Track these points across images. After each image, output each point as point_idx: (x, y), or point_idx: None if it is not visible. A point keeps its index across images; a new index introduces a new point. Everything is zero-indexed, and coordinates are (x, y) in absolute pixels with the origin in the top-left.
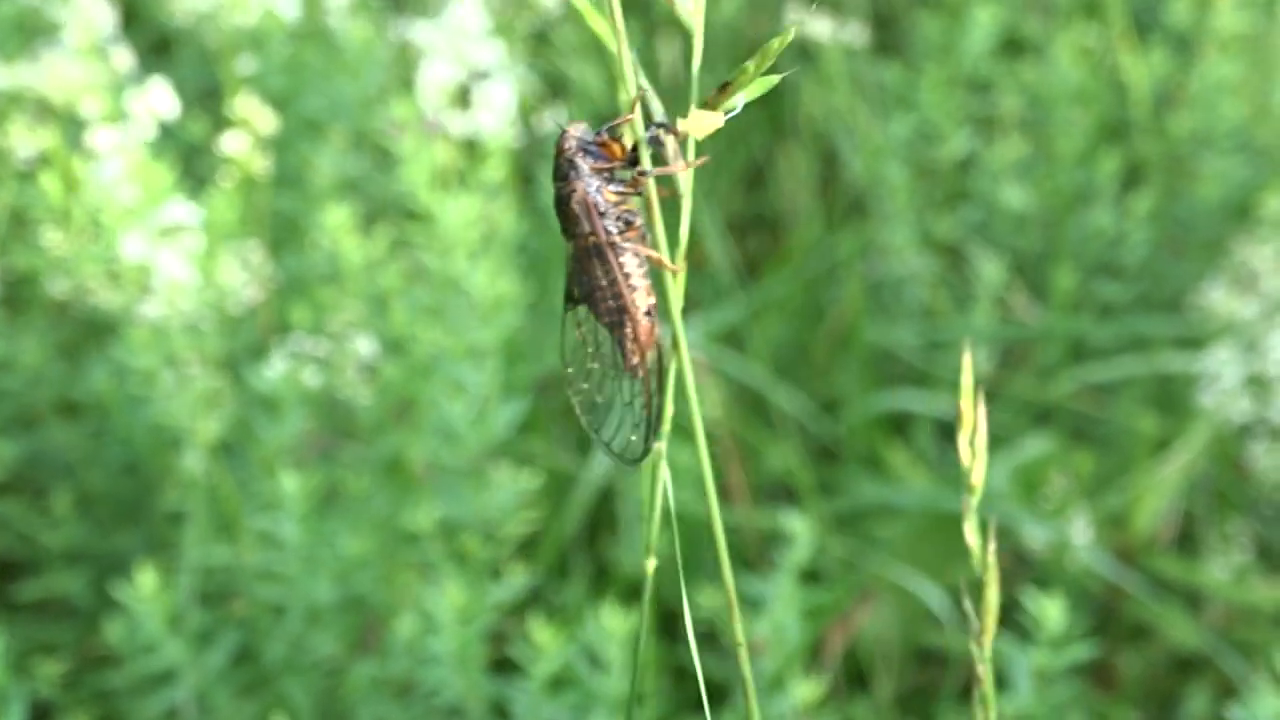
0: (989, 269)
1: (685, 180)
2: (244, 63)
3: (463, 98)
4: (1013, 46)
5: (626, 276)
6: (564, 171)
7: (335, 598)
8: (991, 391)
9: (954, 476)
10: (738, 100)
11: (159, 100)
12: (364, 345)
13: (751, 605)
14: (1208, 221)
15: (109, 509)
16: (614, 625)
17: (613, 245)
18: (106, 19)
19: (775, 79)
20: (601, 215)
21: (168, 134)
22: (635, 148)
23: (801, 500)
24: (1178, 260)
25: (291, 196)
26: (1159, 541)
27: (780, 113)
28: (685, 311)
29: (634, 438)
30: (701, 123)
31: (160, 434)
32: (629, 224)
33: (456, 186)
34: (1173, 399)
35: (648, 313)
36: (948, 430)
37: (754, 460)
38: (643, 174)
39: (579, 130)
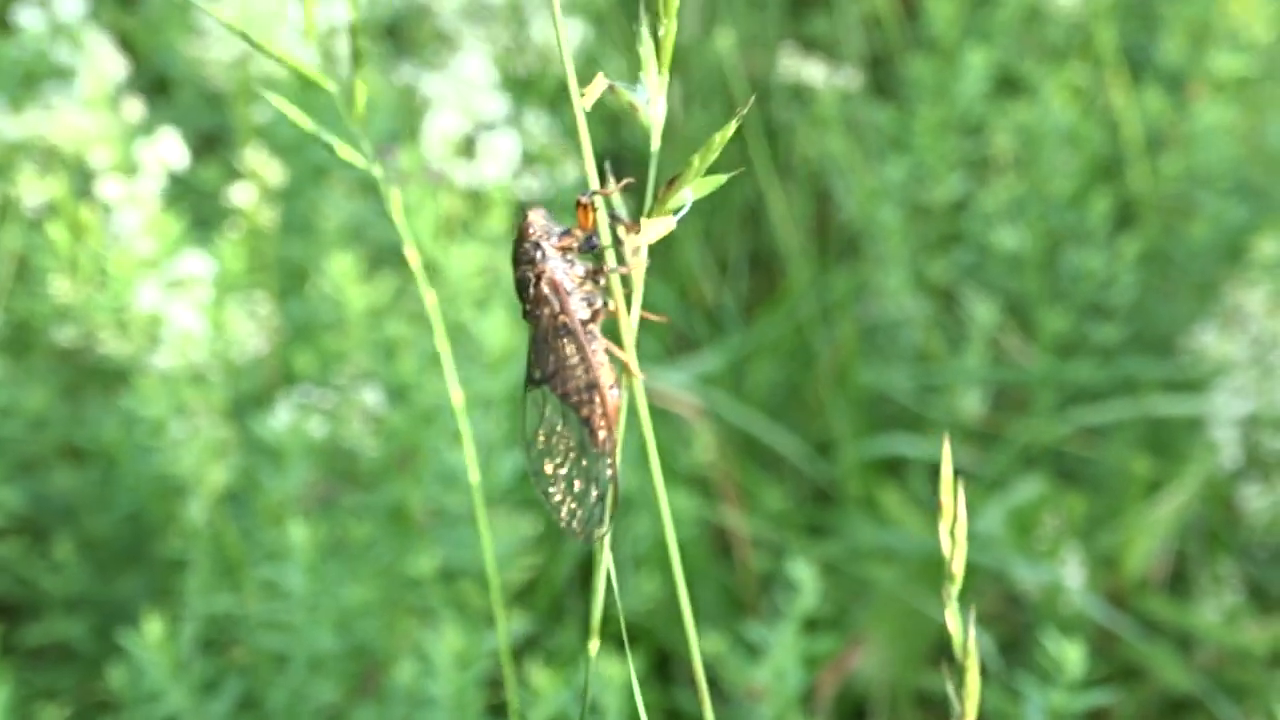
0: (982, 311)
1: (637, 277)
2: (257, 110)
3: (468, 148)
4: (1006, 86)
5: (594, 353)
6: (529, 255)
7: (338, 646)
8: (985, 433)
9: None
10: (686, 196)
11: (169, 150)
12: (370, 396)
13: (750, 650)
14: (1200, 263)
15: (111, 555)
16: (610, 671)
17: (583, 324)
18: (118, 68)
19: (721, 178)
20: (569, 294)
21: (171, 178)
22: (593, 234)
23: (796, 543)
24: (1170, 301)
25: (298, 243)
26: (1151, 583)
27: (775, 153)
28: (679, 352)
29: (596, 513)
30: (653, 230)
31: (165, 482)
32: (591, 304)
33: (461, 236)
34: (1165, 441)
35: (612, 387)
36: (940, 473)
37: (749, 501)
38: (600, 270)
39: (540, 214)
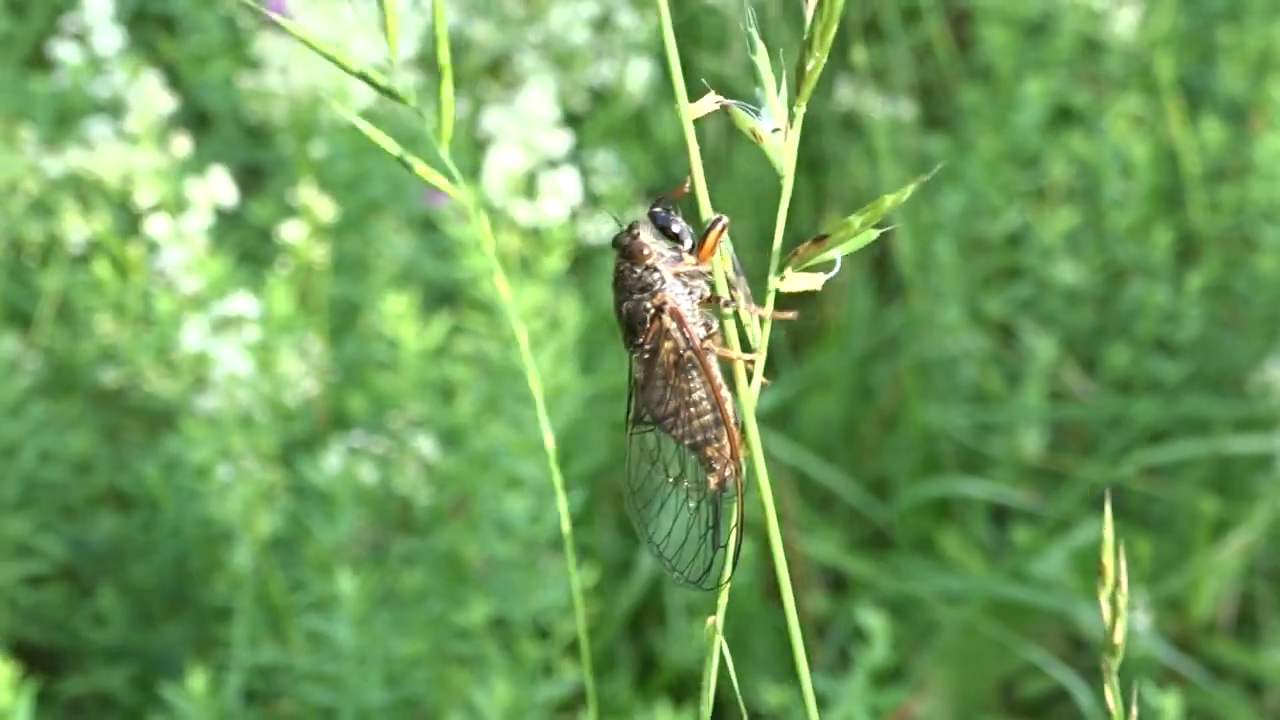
0: (1041, 346)
1: (762, 342)
2: (314, 147)
3: (530, 186)
4: (1062, 115)
5: (719, 386)
6: (646, 281)
7: (387, 699)
8: (1046, 472)
9: (1008, 563)
10: (835, 255)
11: (218, 187)
12: (425, 444)
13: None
14: (1267, 296)
15: (153, 603)
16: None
17: (707, 353)
18: (164, 102)
19: (874, 234)
20: (693, 325)
21: (219, 214)
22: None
23: (853, 586)
24: (1235, 335)
25: (351, 282)
26: (1219, 625)
27: (825, 184)
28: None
29: (715, 560)
30: (796, 286)
31: (210, 528)
32: (708, 329)
33: (520, 275)
34: (1232, 480)
35: (736, 422)
36: (1000, 514)
37: (804, 543)
38: (715, 299)
39: (649, 231)
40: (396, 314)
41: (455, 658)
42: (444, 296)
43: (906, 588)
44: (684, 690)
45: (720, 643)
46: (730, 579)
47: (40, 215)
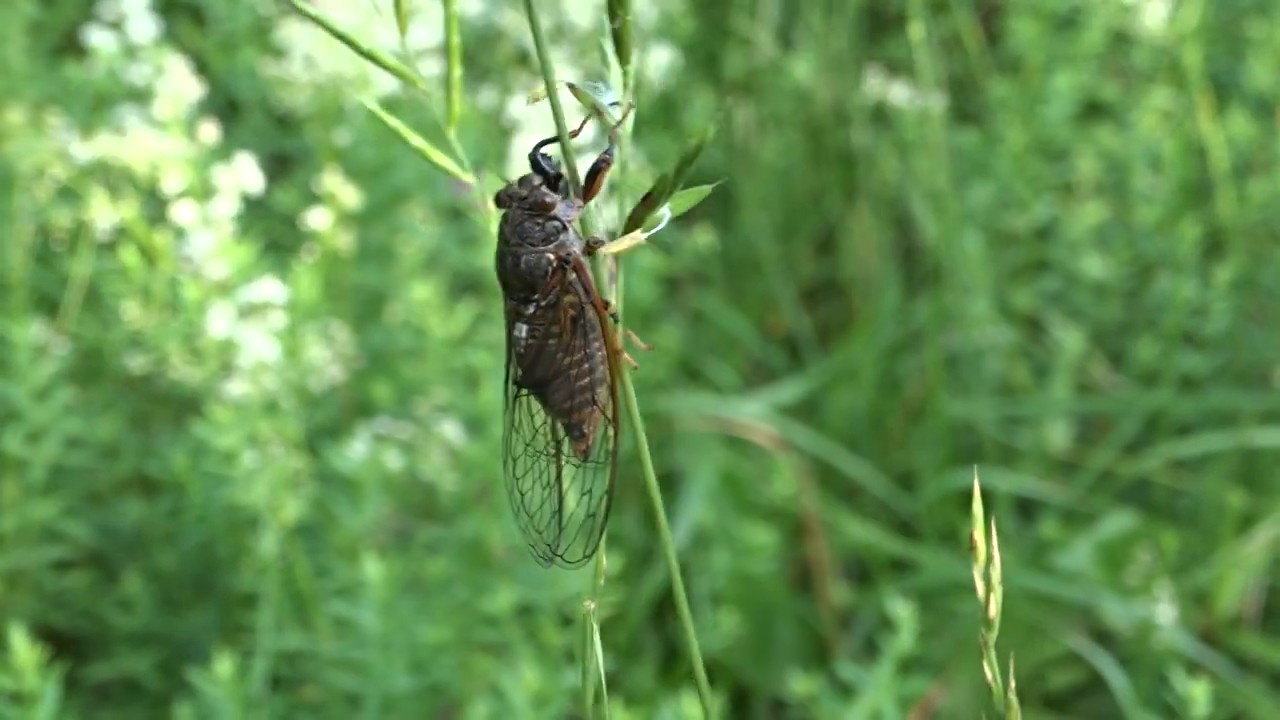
0: (1068, 340)
1: (616, 300)
2: (339, 134)
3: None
4: (1091, 109)
5: (613, 339)
6: (549, 232)
7: (412, 685)
8: (1072, 465)
9: (1035, 555)
10: (663, 213)
11: (245, 174)
12: (449, 428)
13: (842, 689)
14: None
15: (180, 588)
16: (692, 713)
17: (599, 309)
18: (193, 90)
19: (706, 189)
20: (591, 279)
21: (246, 202)
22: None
23: (879, 577)
24: (1262, 329)
25: (376, 270)
26: (1244, 620)
27: (853, 177)
28: (756, 382)
29: (584, 535)
30: (619, 247)
31: (236, 514)
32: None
33: None
34: (1258, 474)
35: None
36: (1027, 506)
37: (829, 535)
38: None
39: (544, 184)
40: (422, 301)
41: (480, 644)
42: (469, 284)
43: (928, 580)
44: (709, 678)
45: (593, 626)
46: (595, 550)
47: (68, 201)
